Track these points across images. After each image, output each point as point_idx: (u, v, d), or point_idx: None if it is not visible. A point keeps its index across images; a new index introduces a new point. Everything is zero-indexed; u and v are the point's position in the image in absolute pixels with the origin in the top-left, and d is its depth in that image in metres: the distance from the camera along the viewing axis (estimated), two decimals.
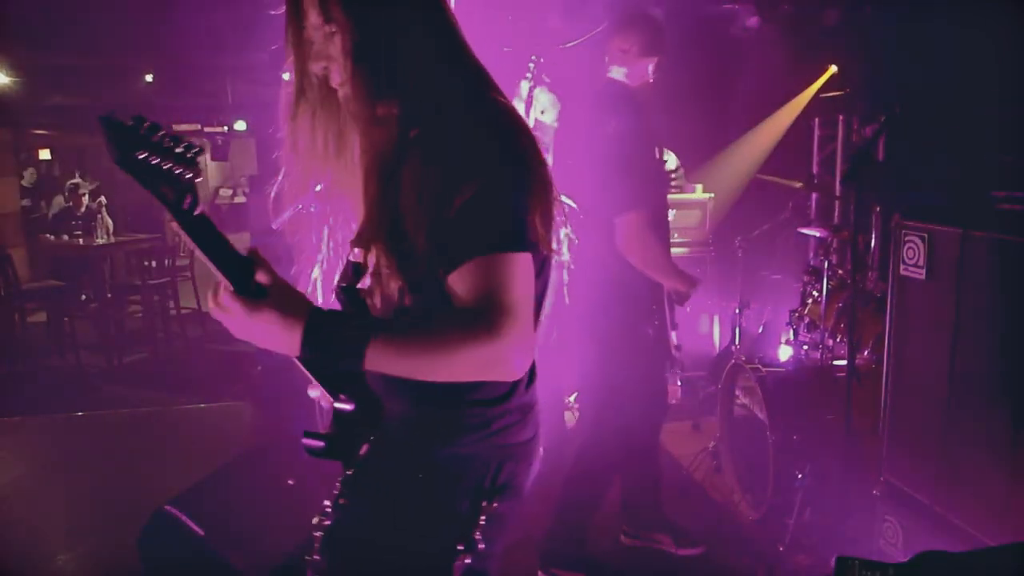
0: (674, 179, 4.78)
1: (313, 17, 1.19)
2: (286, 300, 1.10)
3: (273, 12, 1.33)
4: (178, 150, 0.99)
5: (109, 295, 7.00)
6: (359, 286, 1.24)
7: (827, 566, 1.08)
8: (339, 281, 1.29)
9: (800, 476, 3.05)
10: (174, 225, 1.03)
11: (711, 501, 3.58)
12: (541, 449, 1.39)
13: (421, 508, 1.25)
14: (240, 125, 9.38)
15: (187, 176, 1.01)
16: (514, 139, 1.22)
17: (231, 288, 1.08)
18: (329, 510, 1.28)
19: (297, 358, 1.13)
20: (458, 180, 1.14)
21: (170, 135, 0.99)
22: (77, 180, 8.15)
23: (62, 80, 8.26)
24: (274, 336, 1.09)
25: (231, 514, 2.13)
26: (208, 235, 1.05)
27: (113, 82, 8.46)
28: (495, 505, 1.26)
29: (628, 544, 3.15)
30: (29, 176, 9.26)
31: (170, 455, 4.18)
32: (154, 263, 6.90)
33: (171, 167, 0.99)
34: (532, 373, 1.36)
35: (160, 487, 2.52)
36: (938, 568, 1.15)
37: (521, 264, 1.14)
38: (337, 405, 1.21)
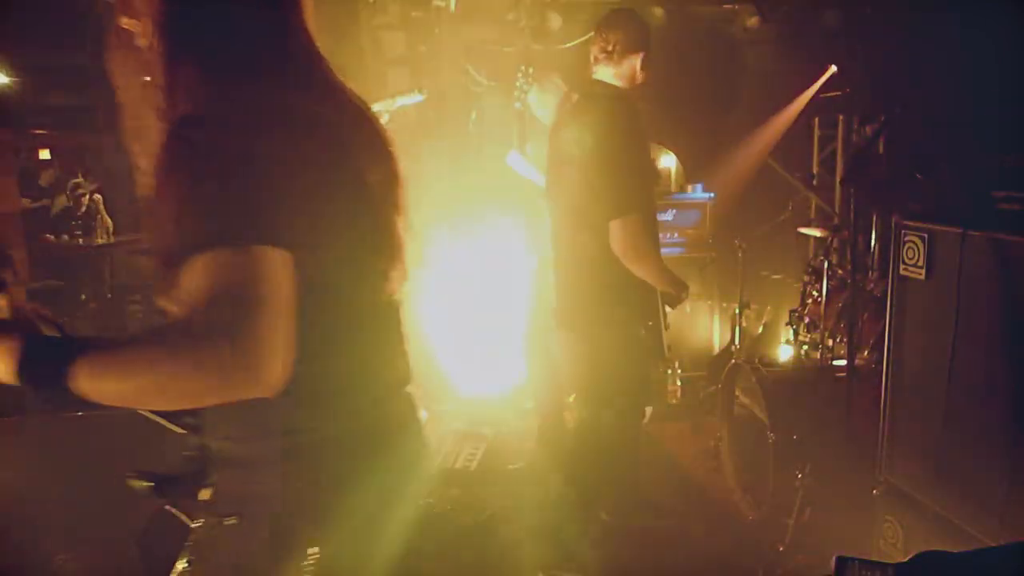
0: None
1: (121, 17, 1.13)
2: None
3: None
4: None
5: (109, 295, 6.99)
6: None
7: (827, 566, 1.07)
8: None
9: (800, 476, 3.05)
10: None
11: (711, 501, 3.58)
12: None
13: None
14: None
15: None
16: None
17: None
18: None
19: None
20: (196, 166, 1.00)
21: None
22: (79, 180, 8.14)
23: (62, 80, 8.25)
24: None
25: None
26: None
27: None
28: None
29: (609, 523, 3.17)
30: (47, 176, 9.24)
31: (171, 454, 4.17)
32: None
33: None
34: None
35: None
36: (938, 568, 1.14)
37: (260, 260, 0.97)
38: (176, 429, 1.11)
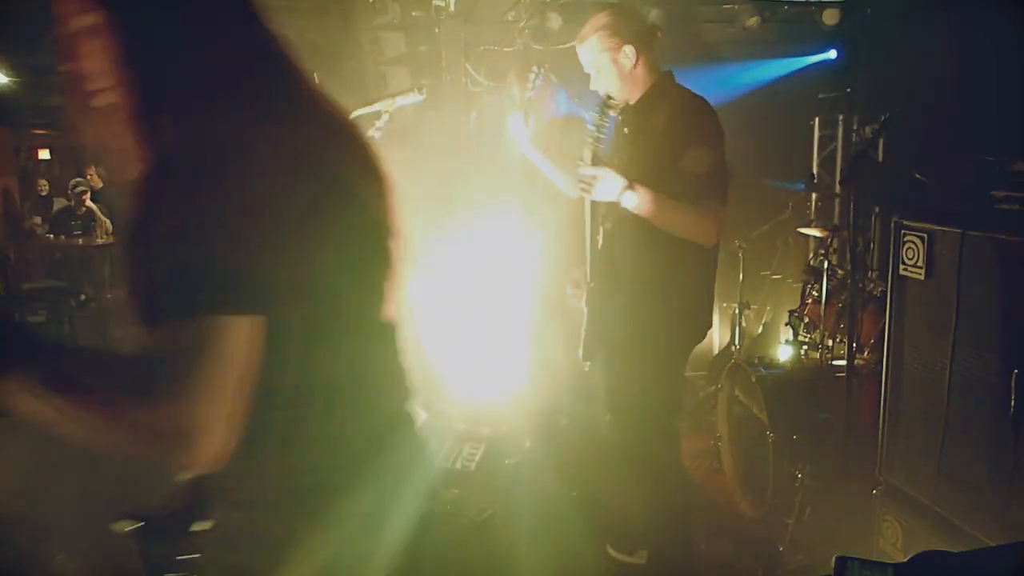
0: None
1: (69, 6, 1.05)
2: None
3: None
4: None
5: (109, 295, 7.00)
6: None
7: (827, 566, 1.07)
8: None
9: (800, 476, 3.05)
10: None
11: (711, 501, 3.58)
12: None
13: None
14: None
15: None
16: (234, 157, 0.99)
17: None
18: None
19: None
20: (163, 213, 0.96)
21: None
22: (79, 179, 8.14)
23: (62, 80, 8.26)
24: None
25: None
26: None
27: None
28: None
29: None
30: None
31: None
32: None
33: None
34: None
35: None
36: (938, 568, 1.14)
37: (237, 328, 0.94)
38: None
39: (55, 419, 0.92)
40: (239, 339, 0.94)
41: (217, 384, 0.92)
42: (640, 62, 2.59)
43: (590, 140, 2.49)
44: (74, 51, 1.05)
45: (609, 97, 2.56)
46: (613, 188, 2.44)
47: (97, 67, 1.05)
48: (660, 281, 2.60)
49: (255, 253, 0.96)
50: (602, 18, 2.61)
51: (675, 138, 2.49)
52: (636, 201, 2.44)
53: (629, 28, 2.59)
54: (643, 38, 2.60)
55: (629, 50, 2.56)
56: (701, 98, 2.59)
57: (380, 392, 1.22)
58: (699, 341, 2.79)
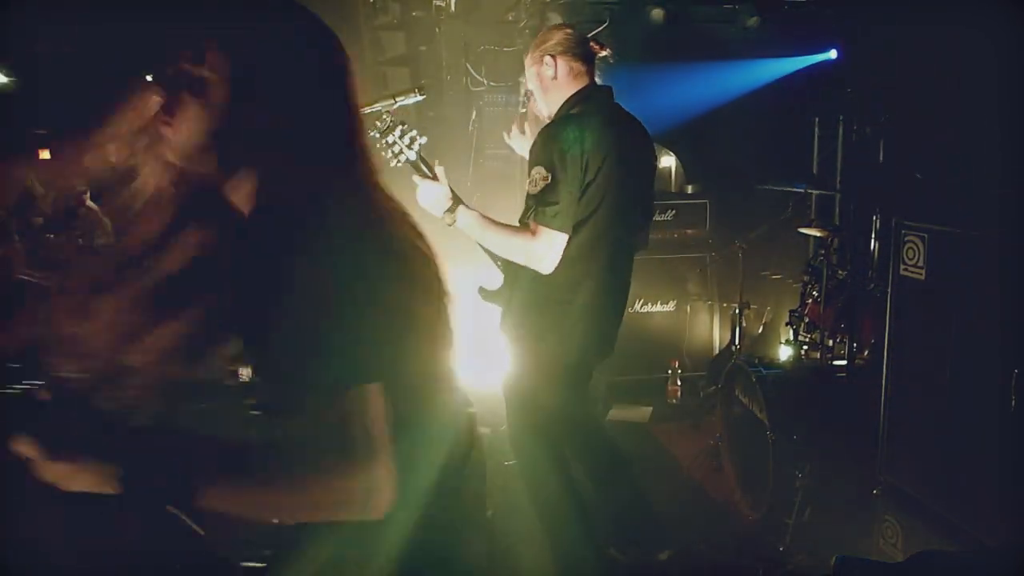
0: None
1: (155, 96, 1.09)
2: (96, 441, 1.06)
3: None
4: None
5: None
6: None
7: (827, 566, 1.08)
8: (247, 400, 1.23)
9: (800, 476, 3.05)
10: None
11: (711, 501, 3.58)
12: None
13: None
14: None
15: None
16: (393, 258, 1.11)
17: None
18: None
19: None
20: (330, 300, 1.04)
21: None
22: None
23: (62, 80, 8.25)
24: (79, 480, 1.06)
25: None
26: None
27: (114, 82, 8.45)
28: None
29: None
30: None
31: None
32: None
33: None
34: None
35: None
36: (938, 568, 1.15)
37: (378, 396, 1.06)
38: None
39: (252, 508, 1.05)
40: (380, 404, 1.05)
41: (380, 443, 1.04)
42: (560, 71, 2.57)
43: (390, 156, 2.42)
44: (174, 107, 1.07)
45: (386, 113, 2.45)
46: (436, 204, 2.43)
47: (192, 126, 1.07)
48: (542, 293, 2.54)
49: (375, 332, 1.06)
50: (536, 39, 2.65)
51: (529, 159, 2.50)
52: (458, 222, 2.44)
53: (551, 40, 2.60)
54: (566, 48, 2.58)
55: (548, 59, 2.57)
56: (568, 118, 2.53)
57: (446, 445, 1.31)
58: (588, 365, 2.68)
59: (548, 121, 2.61)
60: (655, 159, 2.77)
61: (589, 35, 2.75)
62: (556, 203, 2.37)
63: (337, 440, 1.02)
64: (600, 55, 2.66)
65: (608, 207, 2.48)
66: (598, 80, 2.66)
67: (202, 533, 1.16)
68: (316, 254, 1.05)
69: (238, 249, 1.13)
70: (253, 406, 1.19)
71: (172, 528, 1.08)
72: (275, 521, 1.08)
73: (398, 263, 1.14)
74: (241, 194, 1.14)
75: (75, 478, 1.06)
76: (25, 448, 1.05)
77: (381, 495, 1.04)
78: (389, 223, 1.17)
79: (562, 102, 2.58)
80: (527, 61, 2.66)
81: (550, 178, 2.38)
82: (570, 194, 2.39)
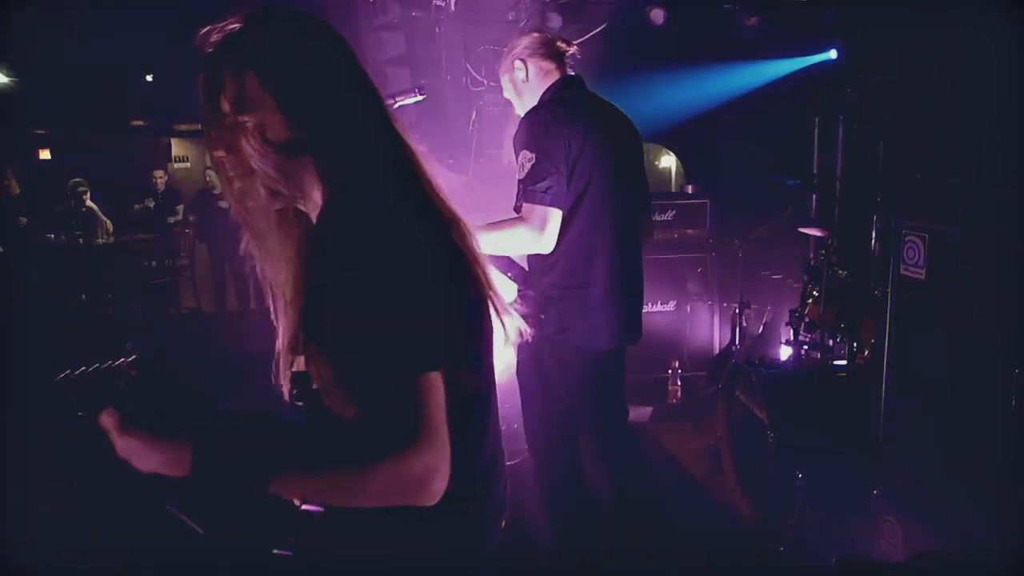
0: None
1: (225, 105, 1.13)
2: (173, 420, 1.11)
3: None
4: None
5: (109, 295, 7.00)
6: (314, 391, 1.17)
7: (827, 566, 1.08)
8: (291, 393, 1.23)
9: (800, 476, 3.05)
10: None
11: (711, 501, 3.58)
12: None
13: None
14: None
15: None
16: (437, 247, 1.15)
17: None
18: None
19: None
20: (382, 291, 1.08)
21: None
22: (79, 179, 8.15)
23: (62, 80, 8.27)
24: (153, 458, 1.10)
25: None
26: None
27: (113, 82, 8.47)
28: None
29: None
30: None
31: None
32: (154, 263, 6.91)
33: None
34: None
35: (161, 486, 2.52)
36: (938, 568, 1.15)
37: (438, 383, 1.09)
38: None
39: (318, 494, 1.09)
40: (440, 392, 1.08)
41: (441, 431, 1.07)
42: (531, 72, 2.60)
43: None
44: (221, 140, 1.13)
45: None
46: None
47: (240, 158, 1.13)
48: (557, 283, 2.54)
49: (436, 321, 1.10)
50: (505, 51, 2.68)
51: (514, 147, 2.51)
52: None
53: (519, 46, 2.63)
54: (533, 50, 2.61)
55: (518, 63, 2.60)
56: (546, 102, 2.55)
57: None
58: (584, 350, 2.61)
59: None
60: (639, 141, 2.76)
61: (585, 37, 2.77)
62: (544, 179, 2.39)
63: (398, 427, 1.05)
64: (568, 52, 2.68)
65: (600, 180, 2.49)
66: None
67: (202, 532, 1.16)
68: (370, 246, 1.09)
69: (314, 251, 1.18)
70: (296, 396, 1.20)
71: (174, 528, 1.09)
72: (340, 505, 1.10)
73: (448, 255, 1.17)
74: (311, 205, 1.19)
75: (147, 456, 1.09)
76: (107, 421, 1.08)
77: (438, 481, 1.06)
78: (438, 215, 1.20)
79: (539, 99, 2.61)
80: (500, 73, 2.70)
81: (535, 158, 2.40)
82: (558, 170, 2.40)
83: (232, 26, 1.14)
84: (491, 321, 1.29)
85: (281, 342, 1.22)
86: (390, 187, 1.16)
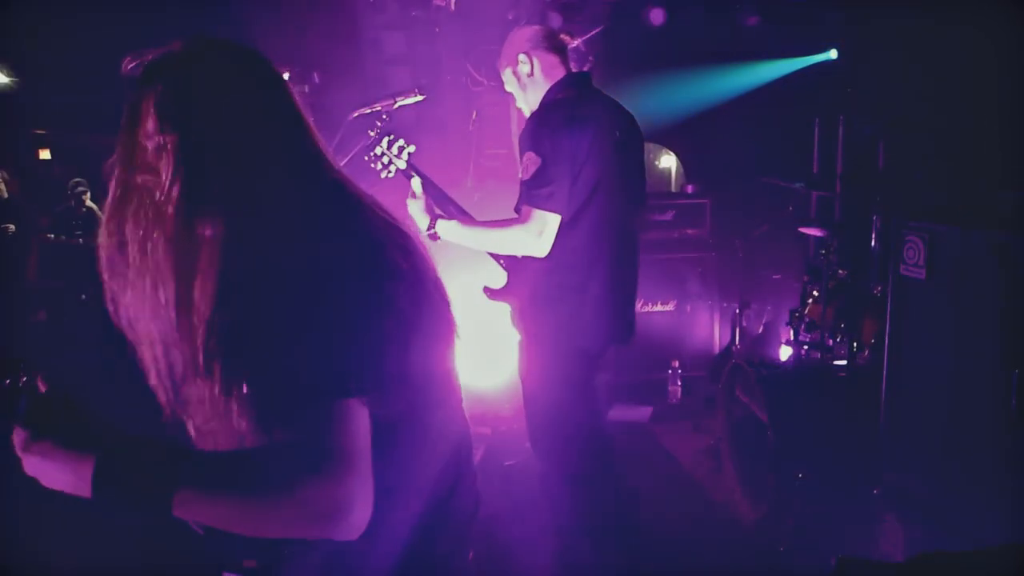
0: None
1: (149, 124, 1.10)
2: (75, 434, 1.04)
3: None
4: None
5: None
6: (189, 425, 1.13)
7: (827, 566, 1.07)
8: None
9: (800, 476, 3.05)
10: None
11: (711, 501, 3.58)
12: None
13: None
14: None
15: None
16: (374, 279, 1.10)
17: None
18: None
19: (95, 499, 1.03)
20: (304, 313, 1.04)
21: None
22: (79, 179, 8.14)
23: (62, 80, 8.26)
24: (56, 475, 1.03)
25: None
26: None
27: (113, 82, 8.46)
28: None
29: None
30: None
31: None
32: None
33: None
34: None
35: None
36: (938, 568, 1.14)
37: (360, 409, 1.04)
38: None
39: (223, 520, 1.02)
40: (362, 418, 1.03)
41: (359, 460, 1.01)
42: (536, 67, 2.58)
43: (379, 167, 2.52)
44: (147, 163, 1.10)
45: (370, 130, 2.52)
46: (419, 222, 2.52)
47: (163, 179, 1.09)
48: (556, 283, 2.53)
49: (366, 346, 1.06)
50: (504, 44, 2.66)
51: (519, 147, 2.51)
52: (442, 237, 2.52)
53: (522, 38, 2.62)
54: (537, 43, 2.60)
55: (523, 57, 2.59)
56: (555, 103, 2.53)
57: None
58: (587, 350, 2.61)
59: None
60: (642, 140, 2.75)
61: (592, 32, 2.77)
62: (549, 185, 2.38)
63: (311, 454, 0.99)
64: (571, 45, 2.68)
65: (606, 184, 2.48)
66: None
67: (201, 533, 1.16)
68: (293, 262, 1.05)
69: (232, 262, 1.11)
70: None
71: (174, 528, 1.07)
72: (246, 534, 1.04)
73: (379, 265, 1.12)
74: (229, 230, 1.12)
75: (51, 475, 1.04)
76: (15, 439, 1.04)
77: (354, 514, 1.00)
78: (368, 222, 1.16)
79: (544, 94, 2.59)
80: (500, 67, 2.67)
81: (541, 162, 2.39)
82: (562, 176, 2.39)
83: (156, 55, 1.13)
84: (447, 346, 1.24)
85: (174, 367, 1.14)
86: (312, 212, 1.12)
